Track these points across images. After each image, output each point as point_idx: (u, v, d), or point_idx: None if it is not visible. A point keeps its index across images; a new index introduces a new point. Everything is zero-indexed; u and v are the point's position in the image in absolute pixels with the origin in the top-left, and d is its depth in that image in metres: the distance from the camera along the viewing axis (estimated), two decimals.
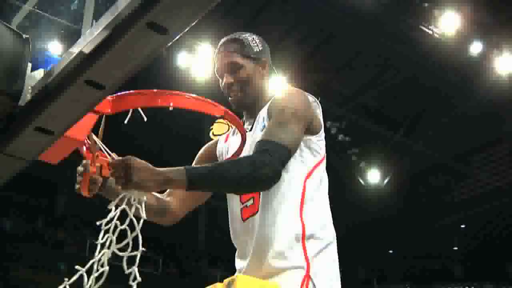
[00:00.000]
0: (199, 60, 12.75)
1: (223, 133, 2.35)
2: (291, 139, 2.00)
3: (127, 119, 1.52)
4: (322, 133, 2.19)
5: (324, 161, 2.19)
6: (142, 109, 1.49)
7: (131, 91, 1.46)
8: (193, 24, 1.06)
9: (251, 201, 2.10)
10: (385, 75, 15.01)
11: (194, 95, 1.53)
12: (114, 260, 1.79)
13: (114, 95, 1.43)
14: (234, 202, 2.18)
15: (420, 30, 12.97)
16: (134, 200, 1.73)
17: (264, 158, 1.90)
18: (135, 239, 1.64)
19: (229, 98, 2.22)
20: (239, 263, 2.16)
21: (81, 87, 1.17)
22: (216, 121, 2.42)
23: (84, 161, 1.79)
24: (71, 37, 1.32)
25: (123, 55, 1.10)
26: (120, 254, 1.63)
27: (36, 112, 1.26)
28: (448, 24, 12.26)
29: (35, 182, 15.84)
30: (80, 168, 1.82)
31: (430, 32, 12.88)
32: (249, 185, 1.92)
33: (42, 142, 1.32)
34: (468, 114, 15.28)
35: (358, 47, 14.49)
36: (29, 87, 1.30)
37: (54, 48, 1.53)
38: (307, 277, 1.95)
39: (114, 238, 1.62)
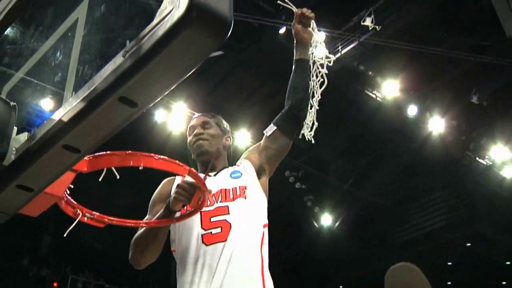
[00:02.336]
0: (174, 116, 12.76)
1: None
2: None
3: (101, 177, 1.50)
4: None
5: None
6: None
7: (106, 152, 1.44)
8: (160, 97, 1.07)
9: (218, 230, 2.11)
10: (334, 133, 15.24)
11: (162, 157, 1.53)
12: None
13: (91, 155, 1.42)
14: (193, 230, 2.14)
15: (365, 94, 13.31)
16: None
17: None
18: None
19: (195, 144, 2.36)
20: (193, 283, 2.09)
21: (59, 151, 1.16)
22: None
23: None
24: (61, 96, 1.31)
25: (96, 124, 1.10)
26: None
27: (18, 171, 1.24)
28: (388, 89, 12.65)
29: (21, 223, 15.29)
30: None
31: (374, 96, 13.23)
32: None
33: (23, 198, 1.29)
34: (405, 167, 15.57)
35: None
36: (14, 149, 1.28)
37: (46, 104, 1.52)
38: None
39: None
